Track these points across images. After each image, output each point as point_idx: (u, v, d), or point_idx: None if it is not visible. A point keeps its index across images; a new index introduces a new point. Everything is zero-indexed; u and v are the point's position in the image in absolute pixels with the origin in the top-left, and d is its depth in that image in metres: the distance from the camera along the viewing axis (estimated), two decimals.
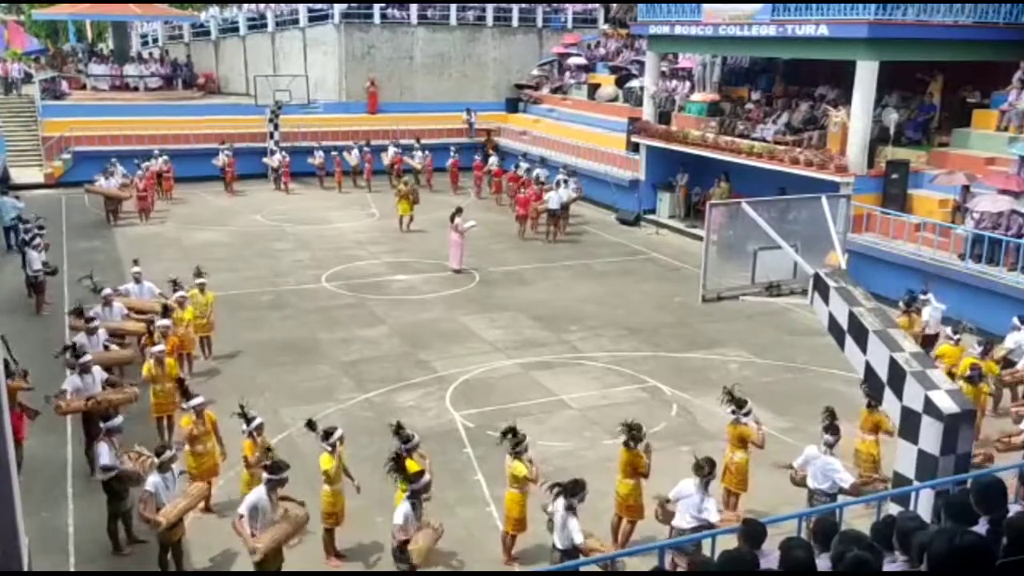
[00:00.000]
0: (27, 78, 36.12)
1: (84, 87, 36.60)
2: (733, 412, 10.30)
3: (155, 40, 44.45)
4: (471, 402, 14.02)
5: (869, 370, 8.08)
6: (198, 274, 15.59)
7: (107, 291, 14.60)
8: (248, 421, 10.23)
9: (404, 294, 19.78)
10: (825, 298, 8.55)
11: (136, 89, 37.33)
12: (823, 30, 20.98)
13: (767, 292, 9.69)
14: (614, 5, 41.08)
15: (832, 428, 9.65)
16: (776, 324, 17.93)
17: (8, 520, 4.21)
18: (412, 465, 9.29)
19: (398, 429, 9.83)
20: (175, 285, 14.96)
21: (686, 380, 15.09)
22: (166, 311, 14.05)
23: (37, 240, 18.32)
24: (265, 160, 31.80)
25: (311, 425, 9.99)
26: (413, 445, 9.67)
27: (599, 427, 13.17)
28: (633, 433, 9.64)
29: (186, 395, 10.93)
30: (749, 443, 10.20)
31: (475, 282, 20.74)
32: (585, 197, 28.15)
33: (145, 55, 41.21)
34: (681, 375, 15.33)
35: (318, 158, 31.51)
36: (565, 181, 26.26)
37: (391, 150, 31.96)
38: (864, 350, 8.09)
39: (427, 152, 32.02)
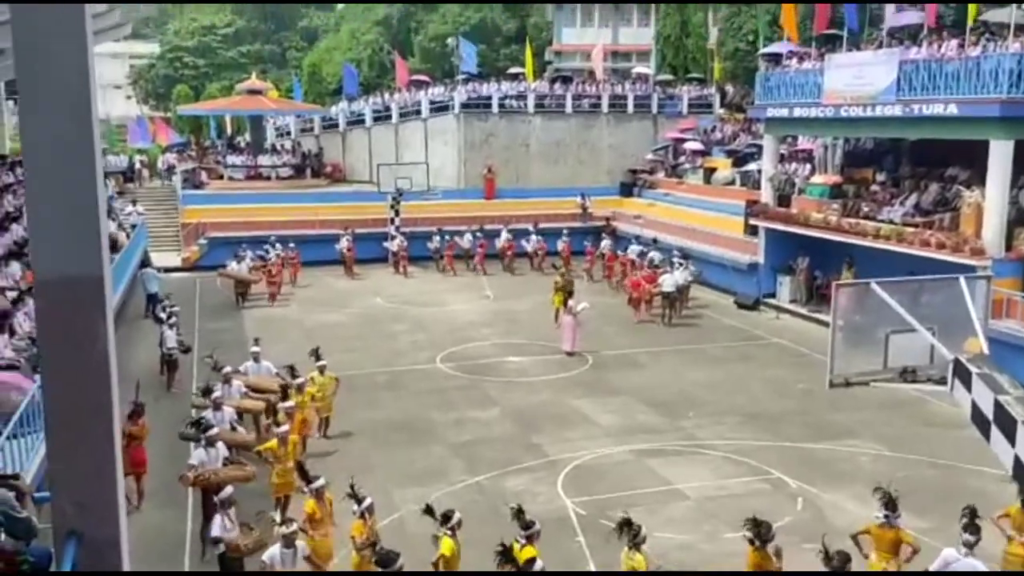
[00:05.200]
0: (171, 169, 38.74)
1: (221, 177, 38.88)
2: (886, 516, 9.50)
3: (288, 132, 47.06)
4: (583, 488, 13.62)
5: (1019, 465, 7.38)
6: (316, 357, 15.80)
7: (227, 369, 15.03)
8: (359, 501, 10.17)
9: (517, 376, 19.68)
10: (967, 385, 7.94)
11: (269, 178, 39.42)
12: (952, 109, 20.26)
13: (901, 378, 9.06)
14: (730, 90, 41.02)
15: (972, 527, 8.83)
16: (911, 414, 16.85)
17: None
18: (529, 551, 8.99)
19: (519, 513, 9.57)
20: (292, 371, 15.11)
21: (812, 472, 14.26)
22: (285, 393, 14.27)
23: (173, 319, 19.23)
24: (385, 244, 32.74)
25: (429, 511, 9.75)
26: (534, 532, 9.38)
27: (718, 519, 12.53)
28: (760, 531, 9.02)
29: (306, 478, 10.90)
30: (902, 549, 9.35)
31: (588, 365, 20.47)
32: (702, 280, 27.68)
33: (278, 146, 43.62)
34: (807, 467, 14.50)
35: (435, 242, 32.24)
36: (680, 264, 25.91)
37: (503, 235, 32.41)
38: (1013, 442, 7.42)
39: (539, 236, 32.35)
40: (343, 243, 31.33)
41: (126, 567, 4.57)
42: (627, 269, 27.81)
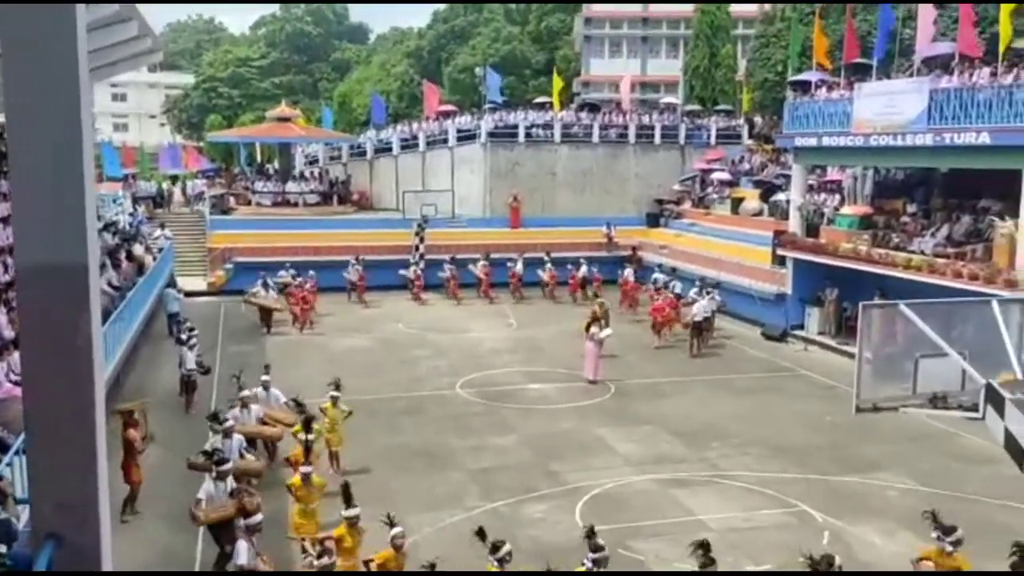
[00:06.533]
0: (200, 195, 39.13)
1: (249, 203, 39.16)
2: (939, 538, 9.21)
3: (316, 160, 47.46)
4: (602, 517, 13.21)
5: None
6: (337, 388, 15.25)
7: (245, 393, 14.82)
8: (392, 525, 10.00)
9: (537, 403, 19.41)
10: (1000, 412, 7.60)
11: (296, 205, 39.63)
12: (984, 138, 19.90)
13: (931, 404, 8.72)
14: (759, 121, 40.84)
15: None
16: (942, 448, 16.36)
17: None
18: None
19: (590, 534, 9.36)
20: (299, 405, 14.48)
21: (840, 506, 13.83)
22: (309, 426, 13.56)
23: (193, 340, 19.20)
24: (402, 271, 32.30)
25: (481, 534, 9.46)
26: (602, 557, 9.13)
27: (740, 551, 12.14)
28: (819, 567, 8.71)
29: (348, 501, 10.54)
30: None
31: (610, 393, 20.16)
32: (728, 311, 27.32)
33: (307, 174, 43.95)
34: (834, 500, 14.07)
35: (447, 270, 31.98)
36: (709, 292, 25.60)
37: (519, 263, 32.13)
38: None
39: (553, 265, 32.12)
40: (352, 271, 30.97)
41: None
42: (635, 296, 28.71)
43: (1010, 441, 7.43)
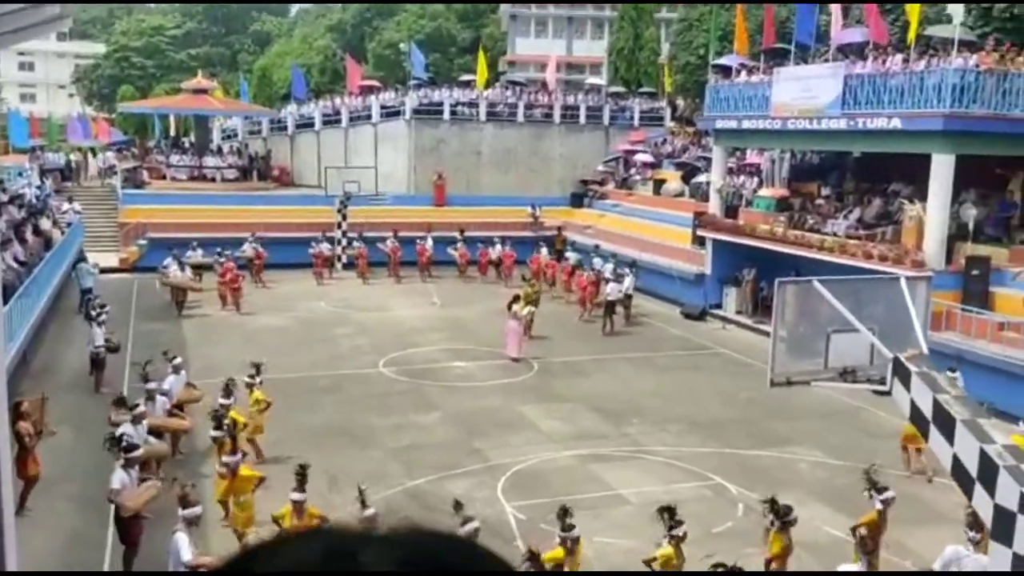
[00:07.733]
0: (111, 168, 37.72)
1: (164, 177, 37.89)
2: (871, 497, 9.94)
3: (234, 134, 46.20)
4: (524, 493, 13.37)
5: (956, 463, 7.31)
6: (257, 371, 14.90)
7: (151, 385, 14.23)
8: (364, 506, 10.09)
9: (461, 381, 19.39)
10: (906, 384, 7.87)
11: (213, 179, 38.52)
12: (896, 123, 20.54)
13: (841, 378, 9.00)
14: (681, 104, 41.40)
15: (977, 524, 8.92)
16: (852, 424, 16.93)
17: None
18: (559, 553, 9.30)
19: (564, 514, 9.57)
20: (227, 389, 14.29)
21: (754, 479, 14.18)
22: (220, 422, 13.19)
23: (103, 317, 18.54)
24: (310, 250, 30.89)
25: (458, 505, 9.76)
26: (574, 537, 9.47)
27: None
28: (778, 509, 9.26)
29: (301, 485, 10.54)
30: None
31: (533, 371, 20.26)
32: (649, 290, 27.73)
33: (225, 148, 42.76)
34: (748, 473, 14.44)
35: (354, 248, 31.37)
36: (631, 271, 25.87)
37: (428, 240, 31.73)
38: (951, 441, 7.34)
39: (464, 243, 31.87)
40: (247, 248, 29.59)
41: (12, 565, 4.19)
42: (553, 275, 28.90)
43: (915, 413, 7.71)
